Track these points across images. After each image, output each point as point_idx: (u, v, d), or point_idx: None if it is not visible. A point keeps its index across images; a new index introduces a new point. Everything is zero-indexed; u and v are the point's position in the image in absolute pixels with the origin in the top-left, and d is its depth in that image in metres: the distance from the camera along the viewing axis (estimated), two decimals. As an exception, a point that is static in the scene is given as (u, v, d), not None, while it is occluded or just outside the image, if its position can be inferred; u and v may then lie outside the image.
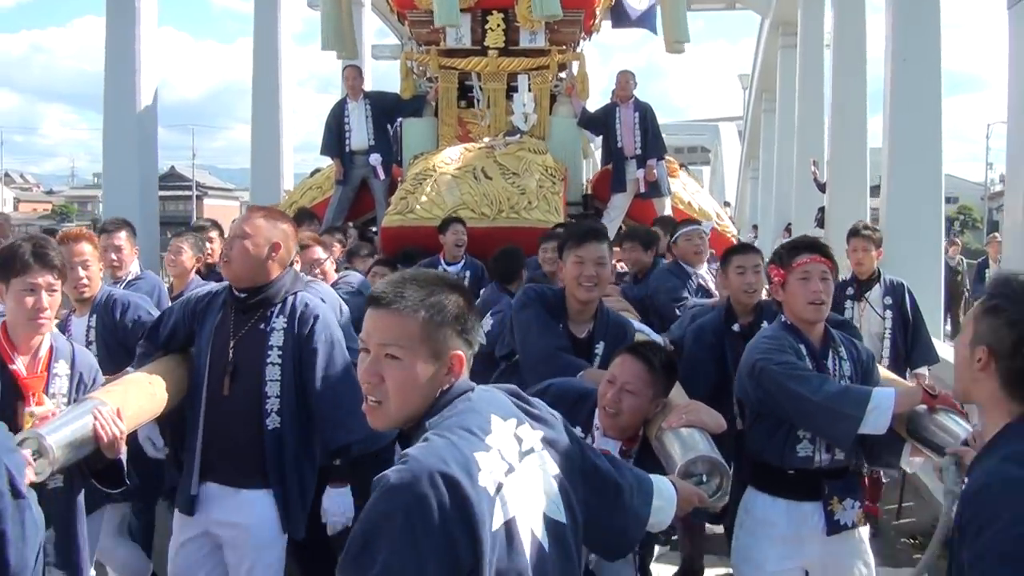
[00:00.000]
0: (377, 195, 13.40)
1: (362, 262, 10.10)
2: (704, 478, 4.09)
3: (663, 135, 13.62)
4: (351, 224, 13.20)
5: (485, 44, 13.57)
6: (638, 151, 13.01)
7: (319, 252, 8.02)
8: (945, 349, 10.64)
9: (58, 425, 4.34)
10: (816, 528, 5.19)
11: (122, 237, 7.85)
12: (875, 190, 14.76)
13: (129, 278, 7.84)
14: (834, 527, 5.16)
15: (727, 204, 29.67)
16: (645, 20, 14.77)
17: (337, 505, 5.31)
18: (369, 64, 22.04)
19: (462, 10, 13.31)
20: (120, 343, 6.39)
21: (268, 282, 5.28)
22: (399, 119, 14.30)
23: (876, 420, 4.81)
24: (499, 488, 2.79)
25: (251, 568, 5.25)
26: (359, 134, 13.48)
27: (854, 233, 9.50)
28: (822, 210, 17.39)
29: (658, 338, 6.87)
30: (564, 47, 13.67)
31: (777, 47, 26.89)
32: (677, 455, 4.24)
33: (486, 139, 12.85)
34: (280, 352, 5.22)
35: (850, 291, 9.32)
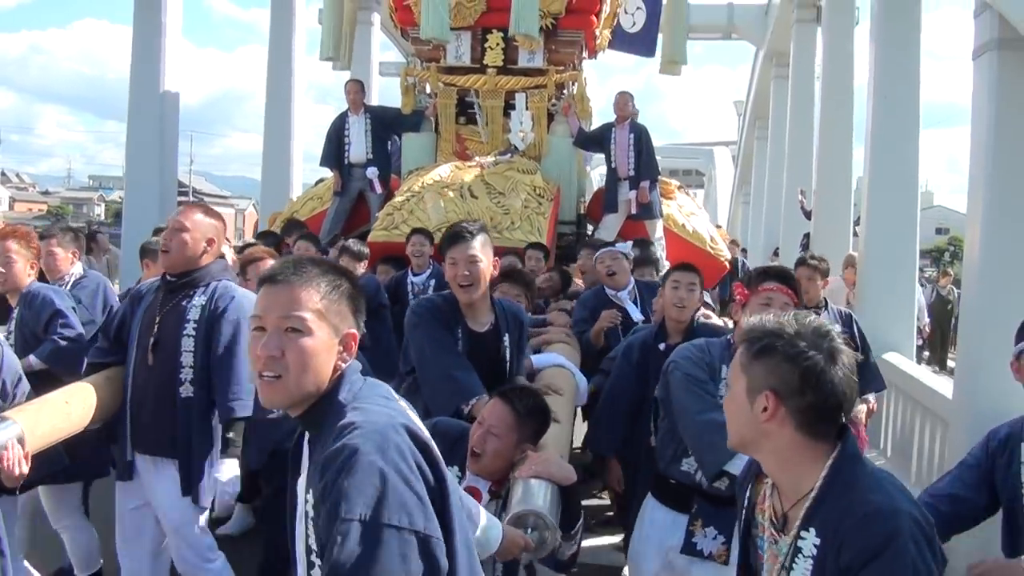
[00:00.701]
0: (373, 208, 13.52)
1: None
2: (529, 530, 4.15)
3: (659, 157, 13.83)
4: (343, 237, 12.84)
5: (484, 62, 13.70)
6: (631, 172, 13.06)
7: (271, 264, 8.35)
8: (920, 371, 11.13)
9: None
10: (679, 541, 5.29)
11: (53, 243, 8.06)
12: (859, 220, 14.97)
13: (73, 279, 8.08)
14: (688, 547, 5.22)
15: (718, 227, 30.18)
16: (639, 44, 15.07)
17: (230, 478, 5.66)
18: (376, 80, 22.19)
19: (463, 28, 13.56)
20: (34, 333, 6.95)
21: (198, 268, 5.86)
22: (399, 133, 14.48)
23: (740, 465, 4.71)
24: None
25: (173, 532, 5.80)
26: (358, 147, 13.64)
27: (801, 263, 9.52)
28: (807, 236, 17.80)
29: (581, 379, 7.22)
30: (563, 67, 13.77)
31: (771, 77, 27.29)
32: (513, 503, 4.33)
33: (477, 158, 13.05)
34: (195, 325, 5.71)
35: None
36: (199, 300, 5.78)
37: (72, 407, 5.32)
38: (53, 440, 5.18)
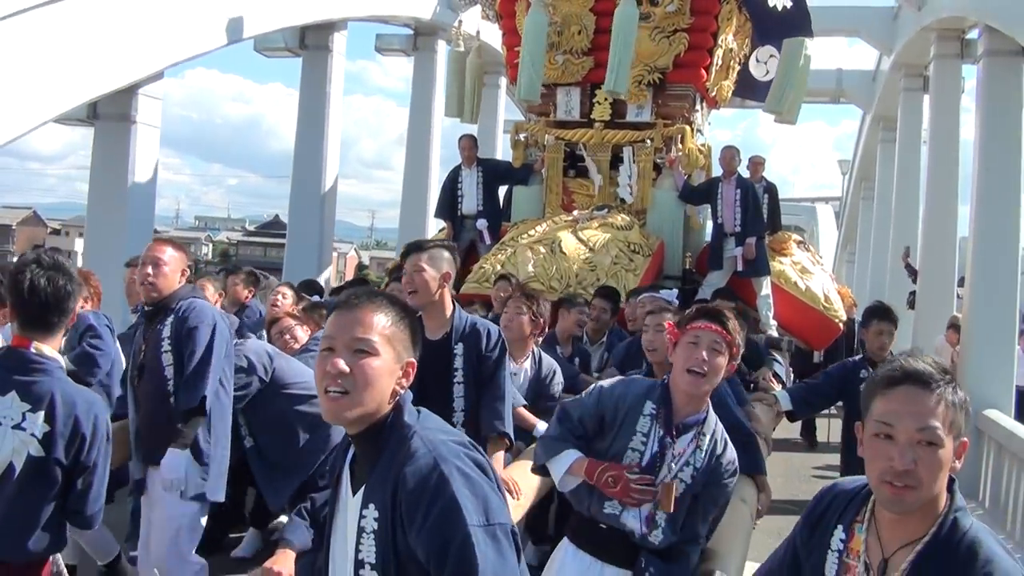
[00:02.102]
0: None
1: None
2: None
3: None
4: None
5: (592, 117, 13.92)
6: (737, 228, 12.92)
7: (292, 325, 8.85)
8: (1018, 427, 11.20)
9: None
10: None
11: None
12: (963, 280, 15.21)
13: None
14: None
15: (841, 286, 29.98)
16: (765, 91, 14.71)
17: (171, 465, 6.16)
18: (501, 137, 22.89)
19: (572, 84, 13.95)
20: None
21: (170, 294, 6.45)
22: (509, 186, 14.76)
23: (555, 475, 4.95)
24: None
25: (173, 534, 6.39)
26: (470, 199, 13.89)
27: (880, 316, 8.95)
28: (913, 294, 18.13)
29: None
30: (671, 120, 13.80)
31: (877, 140, 27.53)
32: None
33: (575, 213, 13.11)
34: (170, 342, 6.34)
35: (864, 374, 8.61)
36: (170, 319, 6.38)
37: None
38: None
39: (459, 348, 6.22)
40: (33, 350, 4.49)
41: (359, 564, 3.00)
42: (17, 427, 4.36)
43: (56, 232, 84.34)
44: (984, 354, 12.95)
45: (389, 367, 3.06)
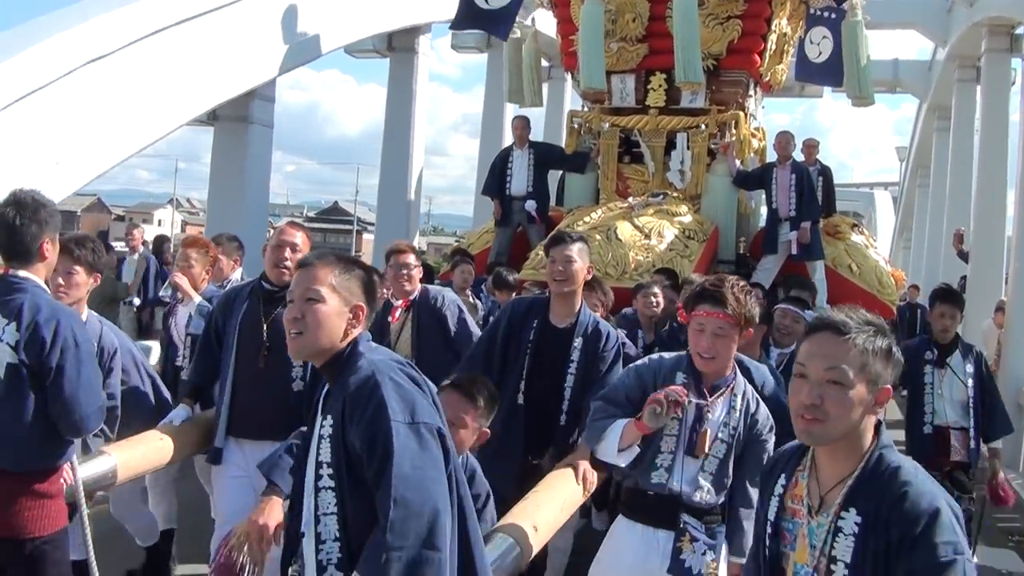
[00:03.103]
0: (532, 240, 13.56)
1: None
2: None
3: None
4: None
5: (647, 103, 13.87)
6: (792, 213, 12.79)
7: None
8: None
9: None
10: (662, 560, 5.14)
11: (219, 250, 8.74)
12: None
13: (229, 284, 8.53)
14: (676, 566, 5.09)
15: (895, 270, 30.21)
16: (827, 74, 14.80)
17: None
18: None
19: (627, 71, 13.89)
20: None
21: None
22: (562, 172, 14.93)
23: (604, 450, 5.32)
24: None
25: None
26: (519, 180, 13.85)
27: (943, 298, 8.99)
28: (964, 279, 18.46)
29: None
30: (725, 106, 13.73)
31: (933, 129, 27.77)
32: None
33: (630, 199, 13.08)
34: None
35: (929, 355, 8.81)
36: None
37: (165, 444, 6.22)
38: (143, 471, 6.27)
39: (579, 342, 6.53)
40: (11, 275, 4.97)
41: (319, 465, 3.64)
42: None
43: (120, 219, 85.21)
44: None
45: (337, 310, 3.73)
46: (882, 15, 20.19)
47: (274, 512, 4.42)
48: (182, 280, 7.69)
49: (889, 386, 3.22)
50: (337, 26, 16.24)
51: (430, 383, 3.81)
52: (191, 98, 13.36)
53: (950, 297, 9.00)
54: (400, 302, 8.43)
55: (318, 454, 3.66)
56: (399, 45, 19.32)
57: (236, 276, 8.92)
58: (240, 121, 15.52)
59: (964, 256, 18.38)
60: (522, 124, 14.27)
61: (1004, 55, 18.22)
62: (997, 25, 17.89)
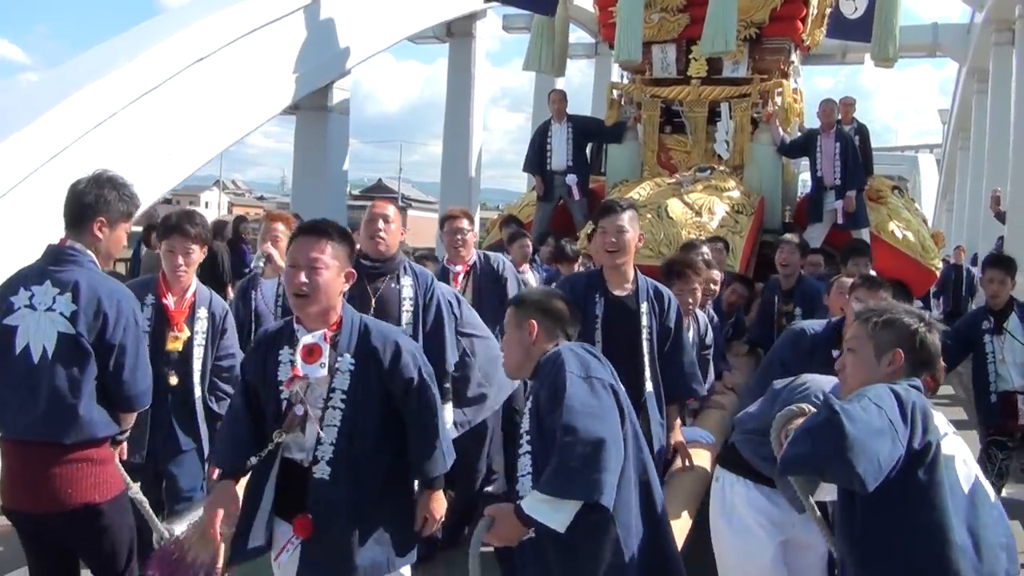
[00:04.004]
0: (575, 213, 13.60)
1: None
2: None
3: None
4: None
5: (688, 73, 13.62)
6: (837, 181, 12.60)
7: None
8: None
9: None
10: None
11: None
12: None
13: None
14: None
15: (936, 232, 30.43)
16: (860, 30, 14.61)
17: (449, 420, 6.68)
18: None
19: (668, 41, 13.64)
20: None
21: (391, 256, 6.92)
22: (599, 144, 14.78)
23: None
24: None
25: None
26: (559, 155, 13.76)
27: (992, 263, 9.04)
28: (1001, 238, 18.81)
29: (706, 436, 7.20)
30: (768, 75, 13.53)
31: (972, 92, 27.87)
32: None
33: (677, 175, 12.79)
34: (412, 301, 6.82)
35: (987, 324, 8.70)
36: (408, 280, 6.85)
37: None
38: None
39: (645, 307, 6.44)
40: (67, 245, 5.01)
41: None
42: (48, 309, 4.85)
43: (167, 201, 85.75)
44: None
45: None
46: None
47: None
48: (273, 251, 7.74)
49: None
50: (404, 18, 17.50)
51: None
52: (280, 91, 14.63)
53: (1000, 263, 8.97)
54: (460, 268, 8.61)
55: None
56: (457, 31, 20.45)
57: None
58: (320, 110, 16.52)
59: (1001, 217, 18.45)
60: (559, 97, 14.15)
61: None
62: None
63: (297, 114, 16.68)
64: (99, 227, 5.07)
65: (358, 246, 6.80)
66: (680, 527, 5.74)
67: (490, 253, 9.12)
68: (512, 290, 8.38)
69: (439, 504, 4.72)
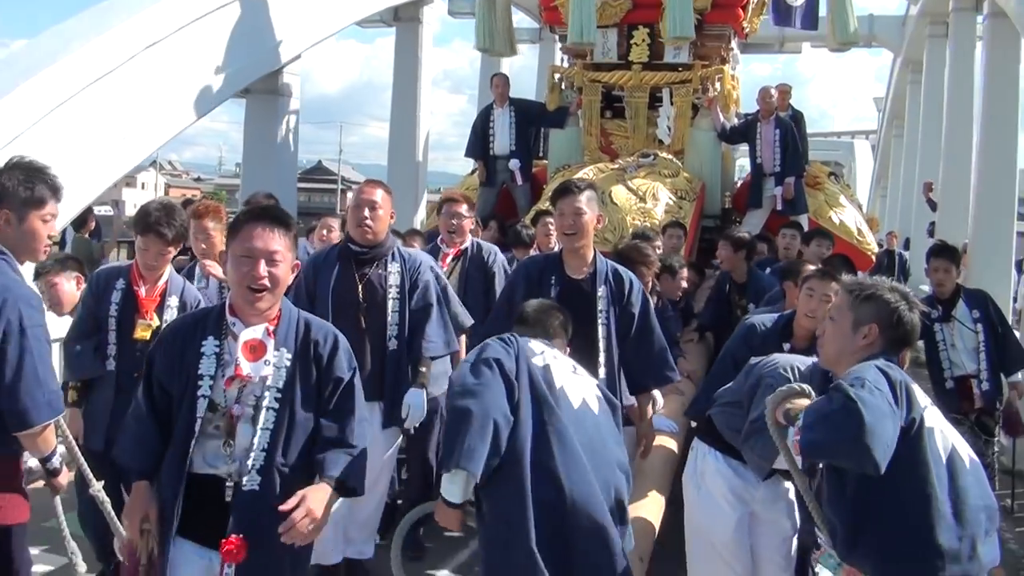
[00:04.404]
0: (518, 199, 13.53)
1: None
2: None
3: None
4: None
5: (630, 58, 13.52)
6: (777, 168, 12.65)
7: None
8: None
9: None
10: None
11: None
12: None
13: None
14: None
15: (871, 217, 31.05)
16: (803, 18, 14.52)
17: (415, 402, 6.59)
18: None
19: (610, 25, 13.50)
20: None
21: (380, 241, 6.76)
22: (542, 128, 14.57)
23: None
24: None
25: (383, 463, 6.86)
26: (502, 139, 13.59)
27: (935, 253, 9.18)
28: (933, 224, 19.32)
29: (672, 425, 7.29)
30: (709, 61, 13.53)
31: (907, 81, 28.32)
32: None
33: (620, 160, 12.76)
34: (398, 290, 6.71)
35: (935, 313, 8.85)
36: (395, 265, 6.73)
37: None
38: None
39: (602, 291, 6.23)
40: None
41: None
42: None
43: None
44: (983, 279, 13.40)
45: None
46: None
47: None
48: (216, 269, 7.32)
49: None
50: (353, 2, 17.52)
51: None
52: (231, 76, 14.49)
53: (944, 252, 9.16)
54: (452, 250, 8.56)
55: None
56: (404, 16, 20.11)
57: None
58: (270, 94, 16.40)
59: (933, 205, 19.20)
60: (502, 82, 14.03)
61: (970, 13, 18.77)
62: None
63: (247, 98, 16.59)
64: (4, 219, 4.65)
65: (345, 231, 6.89)
66: (654, 509, 6.02)
67: (483, 243, 9.06)
68: (500, 282, 8.31)
69: (322, 499, 4.14)
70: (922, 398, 3.93)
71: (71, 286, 7.21)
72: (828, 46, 15.63)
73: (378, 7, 18.74)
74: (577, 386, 4.62)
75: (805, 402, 4.00)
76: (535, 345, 4.69)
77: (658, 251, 8.87)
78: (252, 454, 4.06)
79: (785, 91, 13.75)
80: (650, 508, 5.96)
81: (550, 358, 4.63)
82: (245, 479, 4.04)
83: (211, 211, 7.78)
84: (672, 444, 6.99)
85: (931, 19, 22.95)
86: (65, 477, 4.98)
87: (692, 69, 13.43)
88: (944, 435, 3.92)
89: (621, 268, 6.49)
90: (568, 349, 5.16)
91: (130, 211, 38.40)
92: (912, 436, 3.79)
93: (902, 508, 3.81)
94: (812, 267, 7.24)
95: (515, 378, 4.39)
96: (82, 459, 5.02)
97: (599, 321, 6.19)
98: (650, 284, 7.82)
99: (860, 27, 28.04)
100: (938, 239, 9.92)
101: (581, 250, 6.29)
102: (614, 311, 6.26)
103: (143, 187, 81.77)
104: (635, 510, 5.38)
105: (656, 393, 6.86)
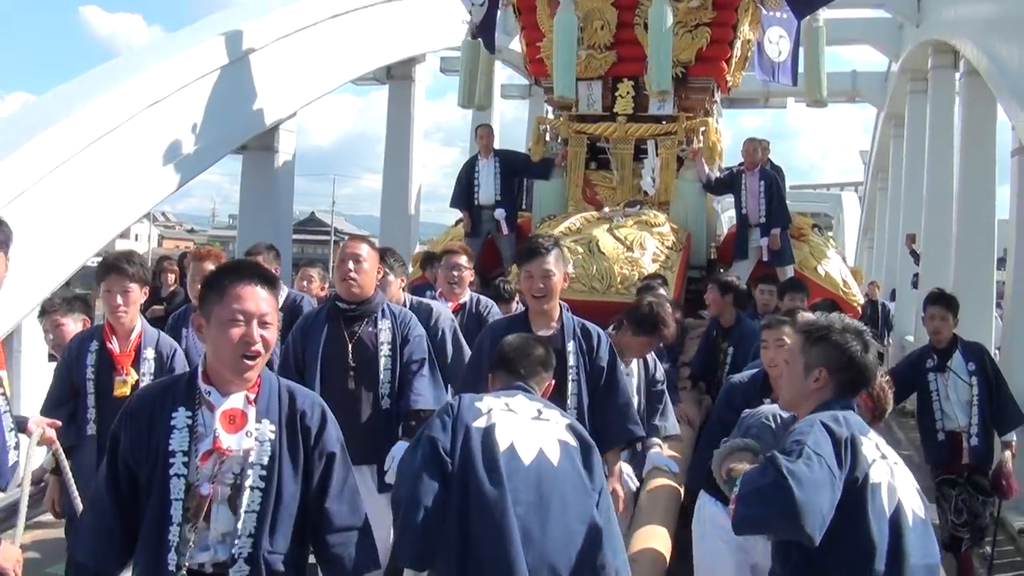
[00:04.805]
0: (504, 249, 13.44)
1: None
2: None
3: (788, 201, 13.24)
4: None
5: (615, 110, 13.54)
6: (762, 219, 12.58)
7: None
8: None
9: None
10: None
11: (259, 259, 8.28)
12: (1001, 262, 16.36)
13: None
14: None
15: (855, 269, 31.24)
16: (784, 72, 14.52)
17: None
18: (498, 104, 24.64)
19: (594, 78, 13.60)
20: None
21: (367, 297, 6.58)
22: (527, 179, 14.45)
23: None
24: None
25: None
26: (487, 189, 13.54)
27: (932, 301, 8.84)
28: (916, 275, 19.63)
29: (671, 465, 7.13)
30: (693, 113, 13.47)
31: (890, 135, 28.62)
32: None
33: (606, 209, 12.69)
34: (389, 347, 6.46)
35: (930, 363, 8.66)
36: (386, 322, 6.48)
37: None
38: None
39: (572, 346, 6.03)
40: None
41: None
42: None
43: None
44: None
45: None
46: (838, 33, 21.14)
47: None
48: None
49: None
50: (347, 62, 17.91)
51: None
52: (229, 133, 15.11)
53: (940, 300, 8.85)
54: (450, 304, 8.37)
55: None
56: (397, 74, 20.99)
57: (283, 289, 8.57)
58: (267, 150, 16.81)
59: (916, 256, 19.46)
60: (486, 133, 13.96)
61: (949, 71, 19.27)
62: (941, 43, 18.90)
63: (244, 154, 16.94)
64: None
65: (332, 290, 6.76)
66: (662, 543, 5.98)
67: (481, 296, 8.99)
68: None
69: None
70: (871, 451, 3.84)
71: (77, 327, 7.20)
72: (805, 101, 15.63)
73: (372, 66, 19.20)
74: (533, 437, 4.23)
75: (744, 466, 3.95)
76: (484, 403, 4.33)
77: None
78: (237, 541, 3.62)
79: (764, 146, 13.62)
80: (658, 540, 5.97)
81: (498, 415, 4.26)
82: (232, 571, 3.61)
83: (212, 255, 7.82)
84: (672, 482, 6.95)
85: (912, 75, 23.36)
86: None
87: (677, 121, 13.42)
88: (891, 490, 3.82)
89: (588, 323, 6.28)
90: (552, 383, 5.01)
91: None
92: (855, 493, 3.71)
93: (843, 566, 3.75)
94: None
95: (448, 454, 4.10)
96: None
97: (569, 377, 5.99)
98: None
99: (844, 82, 29.04)
100: (935, 288, 9.69)
101: (548, 312, 6.11)
102: (584, 365, 6.07)
103: (136, 238, 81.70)
104: (644, 541, 5.65)
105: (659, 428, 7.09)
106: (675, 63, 13.00)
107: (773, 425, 4.90)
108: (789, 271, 12.39)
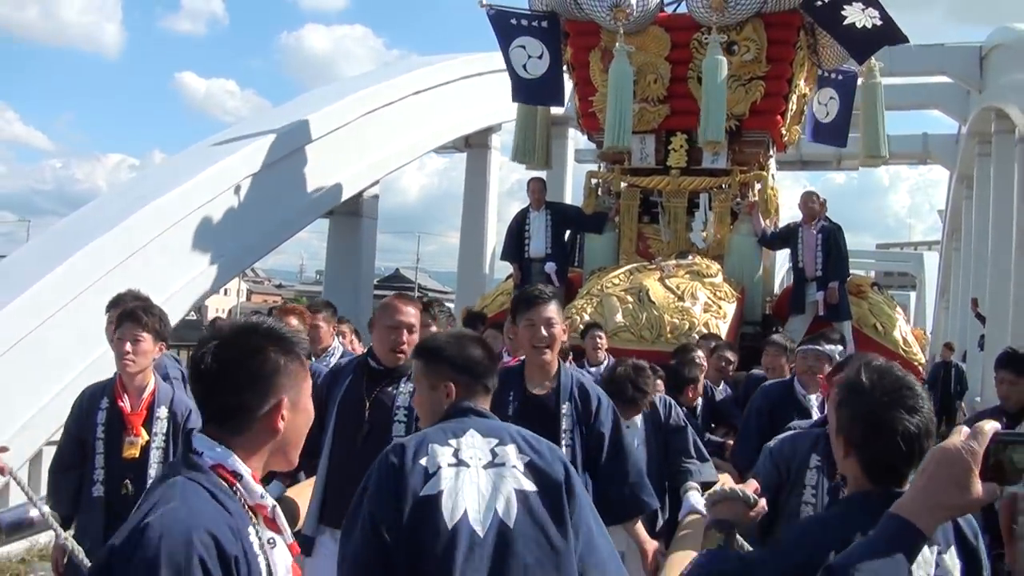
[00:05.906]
0: None
1: None
2: None
3: (871, 259, 13.21)
4: None
5: (668, 164, 13.15)
6: (819, 272, 12.09)
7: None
8: None
9: None
10: None
11: (320, 317, 8.43)
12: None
13: (331, 355, 8.29)
14: None
15: (917, 329, 30.90)
16: (832, 134, 14.32)
17: None
18: (572, 167, 25.36)
19: (647, 131, 13.21)
20: None
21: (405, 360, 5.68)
22: (579, 232, 14.12)
23: None
24: None
25: None
26: (538, 242, 13.24)
27: (1002, 363, 7.95)
28: (983, 336, 19.68)
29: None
30: (747, 166, 13.13)
31: (962, 196, 28.39)
32: None
33: (657, 259, 12.30)
34: (407, 412, 5.64)
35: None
36: (405, 388, 5.67)
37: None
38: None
39: (567, 408, 5.55)
40: None
41: None
42: None
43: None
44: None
45: None
46: (907, 97, 21.28)
47: None
48: None
49: None
50: (428, 133, 19.16)
51: None
52: (317, 201, 16.39)
53: (1011, 363, 7.97)
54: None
55: None
56: (475, 142, 22.03)
57: (336, 344, 8.68)
58: (352, 215, 18.18)
59: (982, 319, 19.50)
60: (539, 187, 13.68)
61: (1010, 135, 19.22)
62: (1002, 108, 18.90)
63: (331, 218, 17.95)
64: None
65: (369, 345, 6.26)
66: None
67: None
68: None
69: None
70: None
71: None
72: (860, 160, 15.01)
73: (451, 136, 20.34)
74: (487, 496, 3.65)
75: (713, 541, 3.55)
76: (429, 457, 3.70)
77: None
78: None
79: (822, 201, 13.07)
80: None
81: (446, 474, 3.66)
82: None
83: (297, 311, 7.92)
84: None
85: (979, 139, 23.30)
86: None
87: (730, 175, 13.04)
88: None
89: (588, 383, 5.77)
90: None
91: (211, 314, 39.39)
92: None
93: None
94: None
95: (390, 530, 3.56)
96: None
97: (563, 443, 5.40)
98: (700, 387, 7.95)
99: (915, 145, 28.78)
100: (1007, 348, 9.01)
101: (548, 365, 5.57)
102: (580, 431, 5.53)
103: (226, 292, 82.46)
104: (677, 566, 5.09)
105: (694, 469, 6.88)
106: (729, 116, 12.58)
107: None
108: (847, 327, 11.80)
